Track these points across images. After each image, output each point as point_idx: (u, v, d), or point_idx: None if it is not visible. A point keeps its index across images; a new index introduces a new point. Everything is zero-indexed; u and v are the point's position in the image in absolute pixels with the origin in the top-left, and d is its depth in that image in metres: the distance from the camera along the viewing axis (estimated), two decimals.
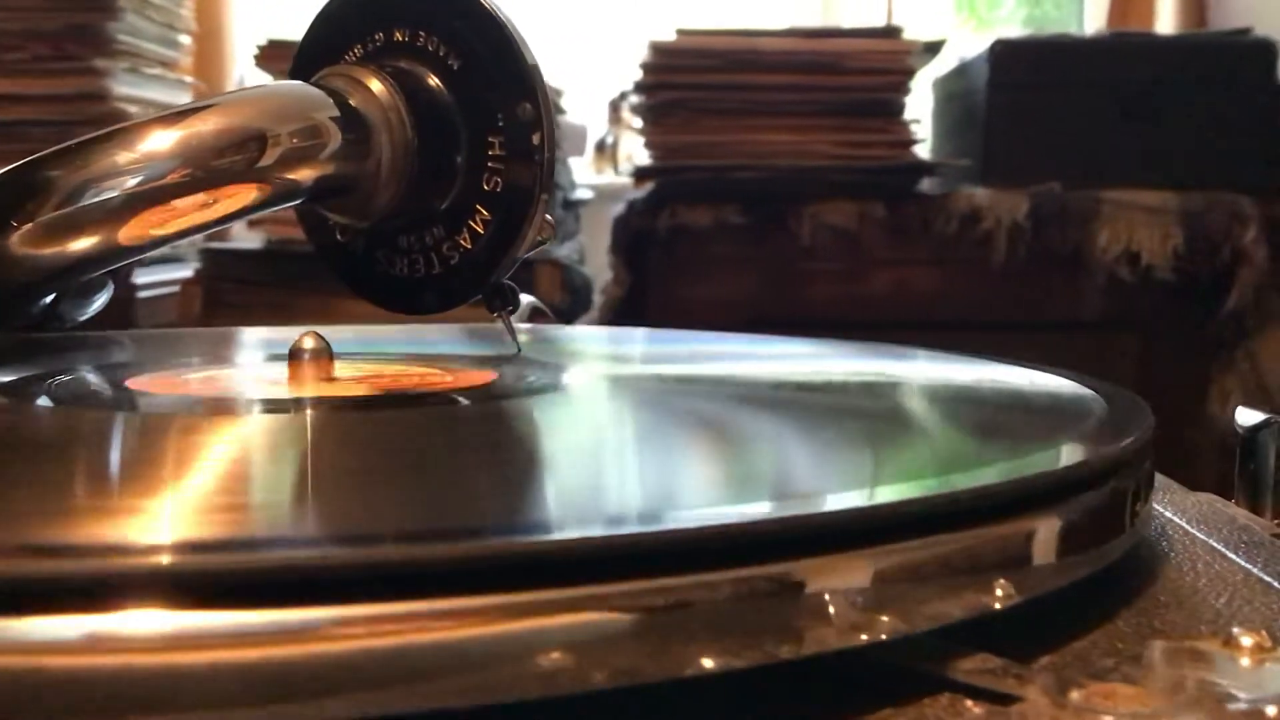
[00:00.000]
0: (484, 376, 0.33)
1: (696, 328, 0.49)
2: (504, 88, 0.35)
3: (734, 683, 0.18)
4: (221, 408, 0.29)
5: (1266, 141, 1.28)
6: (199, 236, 0.34)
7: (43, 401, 0.30)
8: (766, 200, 1.27)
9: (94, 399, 0.30)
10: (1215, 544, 0.27)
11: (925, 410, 0.30)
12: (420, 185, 0.36)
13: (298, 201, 0.35)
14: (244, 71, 1.58)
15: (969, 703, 0.19)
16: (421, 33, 0.36)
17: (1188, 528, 0.28)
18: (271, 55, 1.26)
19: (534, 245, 0.36)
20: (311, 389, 0.30)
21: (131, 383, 0.31)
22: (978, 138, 1.32)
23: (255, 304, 1.24)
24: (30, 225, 0.32)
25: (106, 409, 0.29)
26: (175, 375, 0.33)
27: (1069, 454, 0.23)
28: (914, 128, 1.29)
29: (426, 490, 0.22)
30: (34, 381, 0.31)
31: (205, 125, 0.33)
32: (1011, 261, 1.27)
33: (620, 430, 0.28)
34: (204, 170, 0.33)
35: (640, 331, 0.46)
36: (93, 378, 0.33)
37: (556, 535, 0.19)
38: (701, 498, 0.22)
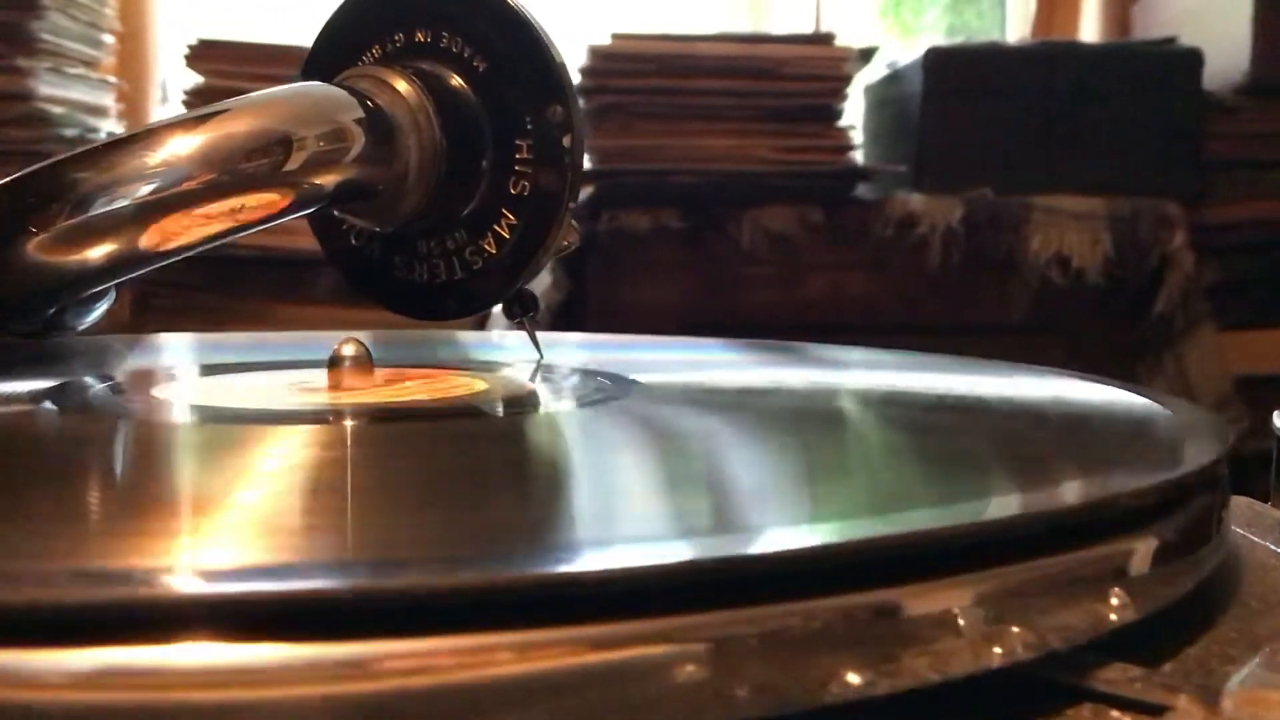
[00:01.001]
0: (527, 385, 0.32)
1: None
2: (532, 89, 0.34)
3: (875, 707, 0.18)
4: (270, 418, 0.28)
5: (1192, 148, 1.31)
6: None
7: (81, 410, 0.29)
8: (705, 204, 1.27)
9: (132, 410, 0.29)
10: (1272, 546, 0.28)
11: (1009, 427, 0.30)
12: (446, 189, 0.35)
13: (322, 206, 0.34)
14: (168, 72, 1.55)
15: (1115, 713, 0.18)
16: (445, 33, 0.35)
17: (1243, 532, 0.29)
18: (203, 55, 1.24)
19: (559, 250, 0.36)
20: (366, 397, 0.29)
21: (161, 391, 0.30)
22: (911, 144, 1.34)
23: (187, 308, 1.22)
24: (52, 231, 0.31)
25: (156, 420, 0.28)
26: (206, 383, 0.32)
27: (1171, 468, 0.23)
28: (851, 134, 1.30)
29: (516, 508, 0.22)
30: (59, 391, 0.30)
31: (229, 128, 0.32)
32: (946, 266, 1.28)
33: (700, 442, 0.28)
34: (230, 175, 0.32)
35: (671, 339, 0.46)
36: (121, 387, 0.32)
37: (690, 556, 0.19)
38: (813, 514, 0.22)
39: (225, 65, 1.22)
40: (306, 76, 0.37)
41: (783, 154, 1.27)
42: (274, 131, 0.32)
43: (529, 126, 0.35)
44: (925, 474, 0.24)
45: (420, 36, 0.36)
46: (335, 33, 0.37)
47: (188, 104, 1.25)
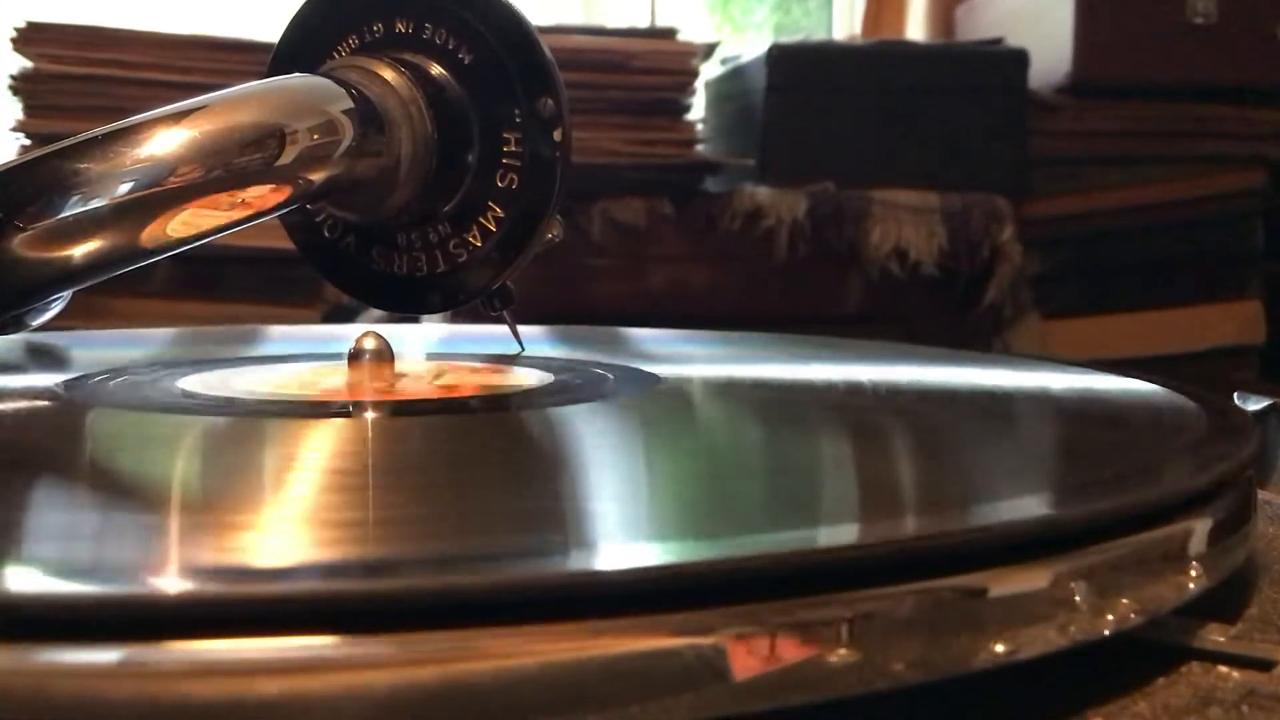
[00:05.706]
0: (543, 377, 0.32)
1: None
2: (522, 82, 0.35)
3: (1005, 674, 0.19)
4: (310, 412, 0.28)
5: (1018, 145, 1.37)
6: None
7: (110, 405, 0.28)
8: None
9: (167, 403, 0.29)
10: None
11: (1066, 422, 0.31)
12: (435, 181, 0.35)
13: (312, 199, 0.34)
14: None
15: (1222, 668, 0.20)
16: (428, 25, 0.35)
17: None
18: (33, 39, 1.18)
19: (544, 244, 0.36)
20: (402, 390, 0.29)
21: (185, 383, 0.30)
22: (755, 138, 1.36)
23: None
24: (40, 227, 0.30)
25: (190, 413, 0.27)
26: (222, 377, 0.31)
27: (1227, 455, 0.24)
28: (698, 127, 1.32)
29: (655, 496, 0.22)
30: (76, 383, 0.29)
31: (223, 121, 0.31)
32: (791, 258, 1.31)
33: (767, 433, 0.28)
34: (224, 170, 0.31)
35: (685, 333, 0.46)
36: (144, 380, 0.31)
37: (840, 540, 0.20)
38: (924, 504, 0.23)
39: (57, 49, 1.17)
40: (278, 68, 0.36)
41: (633, 147, 1.28)
42: (268, 124, 0.32)
43: (518, 120, 0.35)
44: (1014, 466, 0.25)
45: (401, 27, 0.35)
46: (308, 22, 0.36)
47: (15, 89, 1.20)
